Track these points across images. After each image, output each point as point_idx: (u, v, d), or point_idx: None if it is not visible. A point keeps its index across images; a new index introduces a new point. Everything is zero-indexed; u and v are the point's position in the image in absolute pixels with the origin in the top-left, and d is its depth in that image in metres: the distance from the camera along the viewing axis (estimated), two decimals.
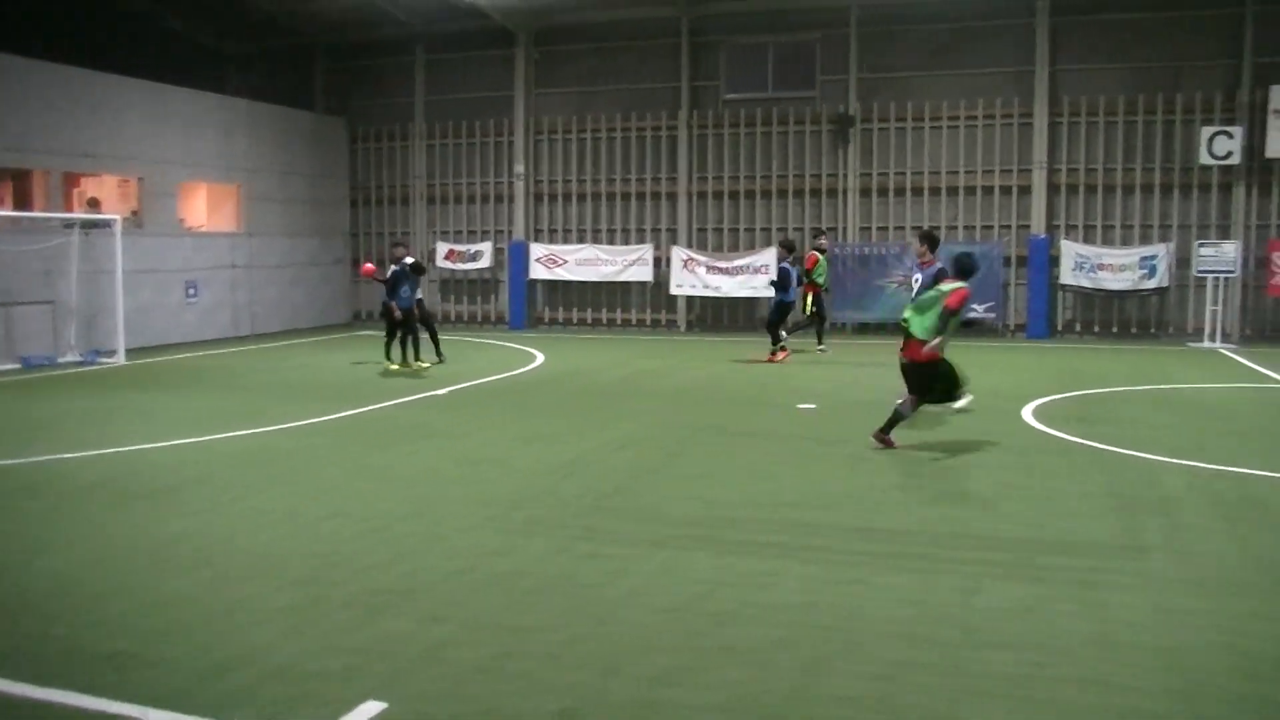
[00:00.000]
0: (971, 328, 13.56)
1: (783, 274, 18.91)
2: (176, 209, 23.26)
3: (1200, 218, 22.88)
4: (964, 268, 10.75)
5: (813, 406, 13.75)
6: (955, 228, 24.22)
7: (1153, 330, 23.32)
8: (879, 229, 24.58)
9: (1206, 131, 22.22)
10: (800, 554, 7.26)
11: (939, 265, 13.02)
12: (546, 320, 27.31)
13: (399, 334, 17.59)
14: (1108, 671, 5.23)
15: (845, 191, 24.86)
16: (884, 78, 24.53)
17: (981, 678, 5.16)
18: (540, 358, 19.78)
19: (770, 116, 25.32)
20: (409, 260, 17.80)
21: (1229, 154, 22.05)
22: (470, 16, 25.47)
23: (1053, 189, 23.62)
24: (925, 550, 7.33)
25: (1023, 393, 13.55)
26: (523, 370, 18.02)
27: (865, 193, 24.76)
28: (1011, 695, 4.96)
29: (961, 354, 19.78)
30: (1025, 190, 23.72)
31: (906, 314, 10.83)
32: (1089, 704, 4.88)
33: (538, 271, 26.77)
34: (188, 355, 20.45)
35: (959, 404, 12.88)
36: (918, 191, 24.45)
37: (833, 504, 8.67)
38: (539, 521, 8.12)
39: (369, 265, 19.45)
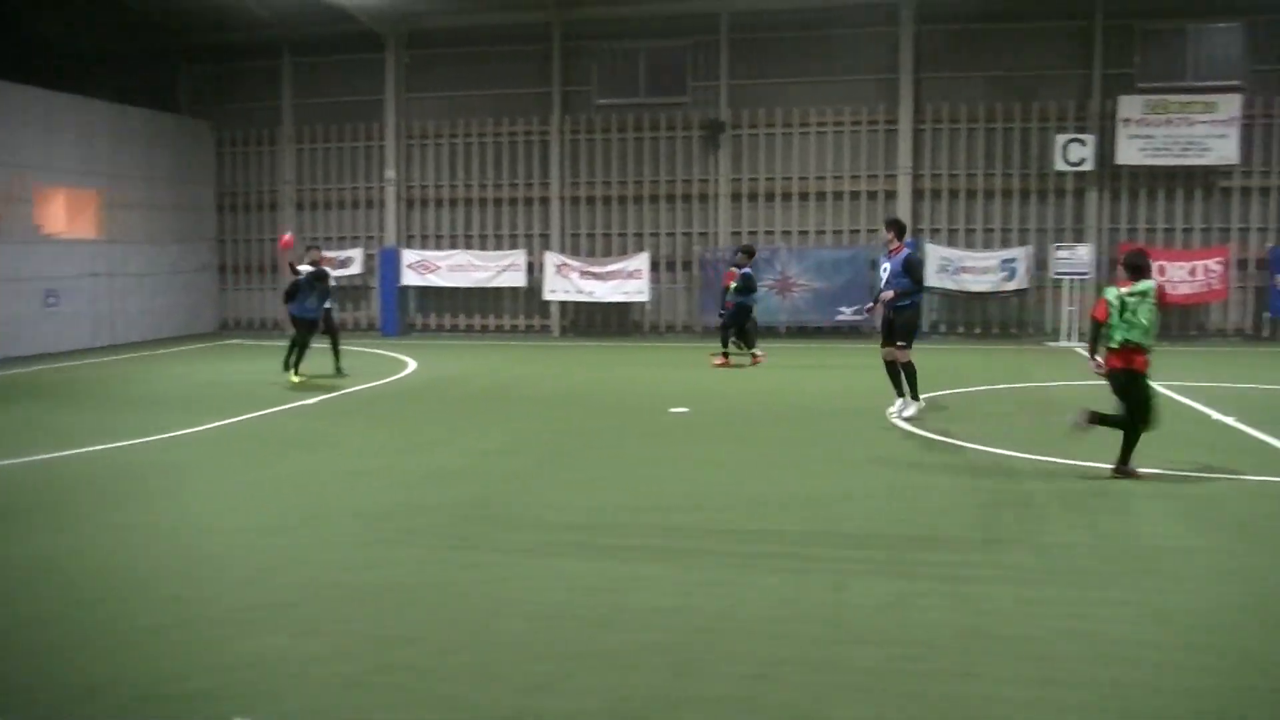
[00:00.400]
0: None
1: (746, 279, 18.96)
2: (33, 215, 22.38)
3: (1056, 221, 23.81)
4: (1140, 266, 10.06)
5: (685, 410, 13.88)
6: (824, 232, 24.76)
7: (1013, 330, 24.12)
8: (749, 233, 24.89)
9: (1061, 139, 23.17)
10: (673, 557, 7.34)
11: (906, 251, 13.24)
12: (419, 327, 27.02)
13: (293, 343, 16.84)
14: (972, 662, 5.40)
15: (716, 196, 25.18)
16: (754, 84, 24.90)
17: (850, 673, 5.28)
18: (413, 365, 19.56)
19: (642, 122, 25.50)
20: (320, 266, 17.18)
21: (1082, 160, 23.01)
22: (338, 19, 25.02)
23: (917, 194, 24.29)
24: (795, 549, 7.47)
25: (890, 393, 13.88)
26: (395, 378, 17.80)
27: (736, 197, 25.12)
28: (879, 689, 5.08)
29: (830, 356, 20.32)
30: (891, 195, 24.33)
31: (1115, 323, 10.27)
32: (954, 695, 5.03)
33: (410, 278, 26.47)
34: (47, 366, 19.69)
35: (909, 410, 12.95)
36: (787, 196, 24.89)
37: (704, 506, 8.76)
38: (411, 531, 8.05)
39: (288, 236, 18.38)
